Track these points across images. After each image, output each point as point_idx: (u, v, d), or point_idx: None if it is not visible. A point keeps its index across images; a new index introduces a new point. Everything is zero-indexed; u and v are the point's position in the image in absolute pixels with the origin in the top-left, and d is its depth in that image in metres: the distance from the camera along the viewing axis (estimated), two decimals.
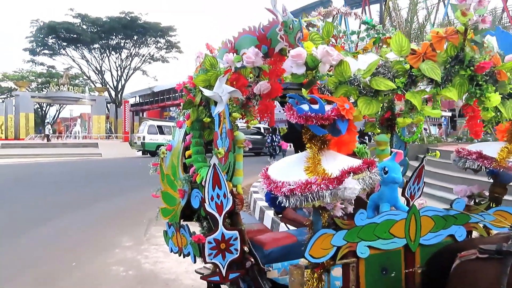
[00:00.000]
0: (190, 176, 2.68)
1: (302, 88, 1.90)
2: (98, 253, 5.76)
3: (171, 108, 44.61)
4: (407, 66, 1.76)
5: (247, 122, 2.49)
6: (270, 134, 19.53)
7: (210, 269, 2.85)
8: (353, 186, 1.57)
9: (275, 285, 2.45)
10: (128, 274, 4.95)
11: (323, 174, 1.63)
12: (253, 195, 8.50)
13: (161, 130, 24.97)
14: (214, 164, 2.29)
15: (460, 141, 14.25)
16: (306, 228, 2.16)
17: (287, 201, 1.63)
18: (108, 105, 44.63)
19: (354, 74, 1.71)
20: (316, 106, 1.63)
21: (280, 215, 3.50)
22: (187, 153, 2.77)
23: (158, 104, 46.12)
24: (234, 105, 2.39)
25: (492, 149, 2.26)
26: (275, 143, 19.39)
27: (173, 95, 40.95)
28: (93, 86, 46.08)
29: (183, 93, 2.74)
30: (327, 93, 1.83)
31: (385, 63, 1.76)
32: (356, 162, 1.72)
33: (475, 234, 2.29)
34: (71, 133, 40.96)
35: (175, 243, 2.94)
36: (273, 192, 1.69)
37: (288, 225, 3.39)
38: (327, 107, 1.63)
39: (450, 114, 27.06)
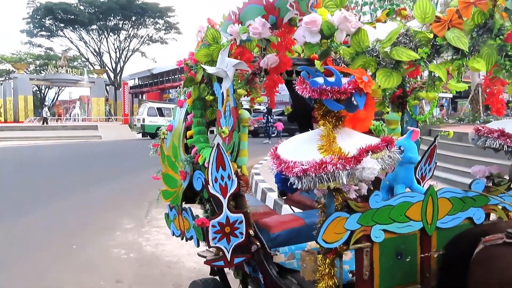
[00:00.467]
0: (192, 157, 2.57)
1: (315, 61, 1.76)
2: (98, 235, 5.70)
3: (170, 90, 44.31)
4: (431, 35, 1.61)
5: (252, 100, 2.36)
6: (266, 115, 19.35)
7: (213, 252, 2.77)
8: (372, 166, 1.44)
9: (281, 269, 2.35)
10: (130, 257, 4.90)
11: (339, 153, 1.49)
12: (254, 176, 8.42)
13: (160, 112, 24.86)
14: (218, 144, 2.17)
15: (462, 122, 14.16)
16: (313, 210, 2.04)
17: (300, 182, 1.50)
18: (107, 87, 44.33)
19: (372, 44, 1.57)
20: (331, 79, 1.48)
21: (285, 197, 3.40)
22: (189, 133, 2.65)
23: (158, 86, 45.78)
24: (239, 81, 2.26)
25: None
26: (270, 124, 19.21)
27: (173, 77, 40.62)
28: (91, 68, 45.67)
29: (183, 74, 2.62)
30: (342, 64, 1.68)
31: (406, 31, 1.61)
32: (374, 140, 1.58)
33: (493, 216, 2.18)
34: (70, 116, 40.77)
35: (177, 227, 2.86)
36: (283, 173, 1.57)
37: (292, 207, 3.29)
38: (344, 80, 1.49)
39: (451, 95, 26.86)
